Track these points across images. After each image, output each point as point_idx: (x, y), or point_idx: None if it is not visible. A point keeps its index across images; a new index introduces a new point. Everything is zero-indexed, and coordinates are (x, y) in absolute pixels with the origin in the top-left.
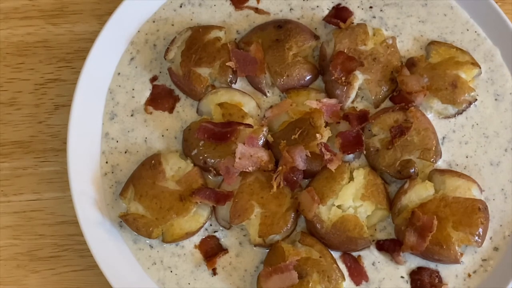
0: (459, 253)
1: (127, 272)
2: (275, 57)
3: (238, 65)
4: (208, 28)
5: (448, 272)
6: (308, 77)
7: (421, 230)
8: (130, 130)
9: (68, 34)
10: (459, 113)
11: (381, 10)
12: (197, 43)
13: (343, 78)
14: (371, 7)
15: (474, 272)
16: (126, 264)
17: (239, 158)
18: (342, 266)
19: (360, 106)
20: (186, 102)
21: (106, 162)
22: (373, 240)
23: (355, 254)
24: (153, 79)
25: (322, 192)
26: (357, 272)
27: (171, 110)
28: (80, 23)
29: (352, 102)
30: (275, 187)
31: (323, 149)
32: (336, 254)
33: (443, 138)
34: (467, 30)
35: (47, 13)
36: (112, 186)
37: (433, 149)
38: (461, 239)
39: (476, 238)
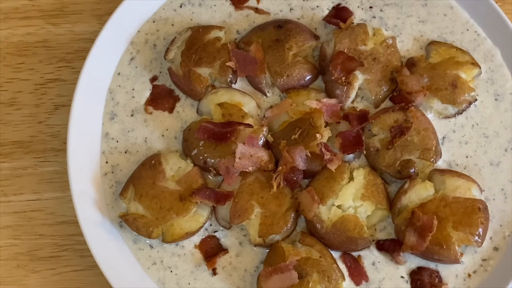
0: (459, 253)
1: (127, 272)
2: (275, 57)
3: (238, 65)
4: (208, 28)
5: (448, 272)
6: (308, 77)
7: (421, 230)
8: (130, 130)
9: (68, 34)
10: (459, 113)
11: (381, 10)
12: (197, 43)
13: (343, 78)
14: (371, 7)
15: (474, 272)
16: (126, 264)
17: (239, 158)
18: (342, 266)
19: (360, 106)
20: (186, 102)
21: (106, 162)
22: (373, 240)
23: (355, 254)
24: (153, 79)
25: (322, 192)
26: (357, 272)
27: (171, 110)
28: (80, 23)
29: (352, 102)
30: (275, 187)
31: (323, 149)
32: (336, 254)
33: (443, 138)
34: (467, 30)
35: (47, 13)
36: (112, 186)
37: (433, 149)
38: (461, 239)
39: (476, 238)
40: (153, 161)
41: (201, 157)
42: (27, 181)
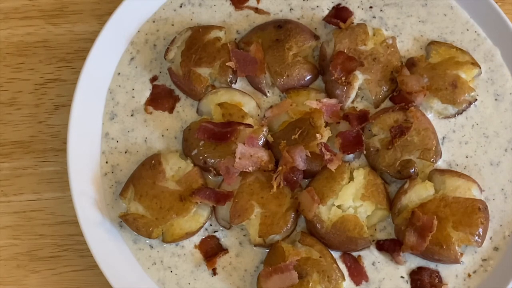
0: (459, 253)
1: (127, 272)
2: (275, 57)
3: (238, 65)
4: (208, 28)
5: (448, 272)
6: (308, 77)
7: (421, 230)
8: (130, 130)
9: (68, 34)
10: (459, 113)
11: (381, 10)
12: (197, 43)
13: (343, 78)
14: (371, 7)
15: (474, 272)
16: (126, 264)
17: (239, 158)
18: (342, 266)
19: (360, 106)
20: (186, 102)
21: (106, 162)
22: (373, 240)
23: (355, 254)
24: (153, 79)
25: (322, 192)
26: (357, 272)
27: (171, 110)
28: (80, 23)
29: (352, 102)
30: (275, 187)
31: (323, 149)
32: (336, 254)
33: (443, 138)
34: (467, 30)
35: (47, 13)
36: (112, 186)
37: (433, 149)
38: (461, 239)
39: (476, 238)
40: (153, 161)
41: (201, 157)
42: (27, 181)
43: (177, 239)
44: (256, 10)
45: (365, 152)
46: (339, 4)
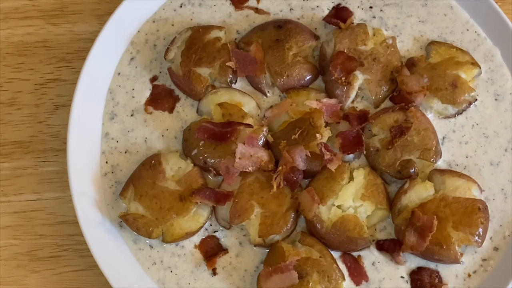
0: (459, 253)
1: (127, 272)
2: (275, 57)
3: (238, 65)
4: (208, 28)
5: (448, 272)
6: (308, 77)
7: (421, 230)
8: (130, 130)
9: (68, 34)
10: (459, 113)
11: (381, 10)
12: (197, 43)
13: (343, 78)
14: (371, 7)
15: (474, 272)
16: (126, 264)
17: (239, 158)
18: (342, 266)
19: (360, 106)
20: (186, 102)
21: (106, 162)
22: (373, 240)
23: (355, 254)
24: (153, 79)
25: (322, 192)
26: (357, 272)
27: (171, 110)
28: (80, 23)
29: (352, 102)
30: (275, 187)
31: (323, 149)
32: (336, 254)
33: (443, 138)
34: (467, 30)
35: (47, 13)
36: (112, 186)
37: (433, 149)
38: (461, 239)
39: (476, 238)
40: (153, 161)
41: (201, 157)
42: (27, 181)
43: (177, 239)
44: (256, 10)
45: (365, 152)
46: (339, 4)
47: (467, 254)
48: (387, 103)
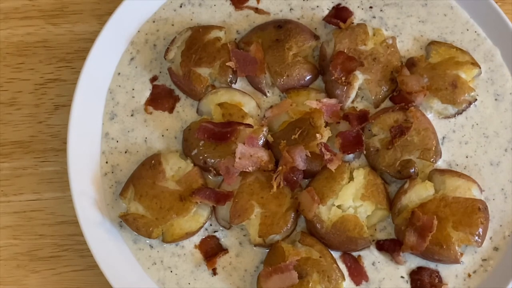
0: (459, 253)
1: (127, 272)
2: (275, 57)
3: (238, 65)
4: (208, 28)
5: (448, 272)
6: (308, 77)
7: (421, 230)
8: (130, 130)
9: (68, 34)
10: (459, 113)
11: (381, 10)
12: (197, 43)
13: (343, 78)
14: (371, 7)
15: (474, 272)
16: (126, 264)
17: (239, 158)
18: (342, 266)
19: (360, 106)
20: (186, 102)
21: (106, 162)
22: (373, 240)
23: (355, 254)
24: (153, 79)
25: (322, 192)
26: (357, 272)
27: (171, 110)
28: (80, 23)
29: (352, 102)
30: (275, 187)
31: (323, 149)
32: (336, 254)
33: (443, 138)
34: (467, 30)
35: (47, 13)
36: (112, 186)
37: (433, 149)
38: (461, 239)
39: (476, 238)
40: (153, 161)
41: (201, 157)
42: (27, 181)
43: (177, 239)
44: (256, 10)
45: (365, 152)
46: (339, 4)
47: (467, 254)
48: (387, 103)
